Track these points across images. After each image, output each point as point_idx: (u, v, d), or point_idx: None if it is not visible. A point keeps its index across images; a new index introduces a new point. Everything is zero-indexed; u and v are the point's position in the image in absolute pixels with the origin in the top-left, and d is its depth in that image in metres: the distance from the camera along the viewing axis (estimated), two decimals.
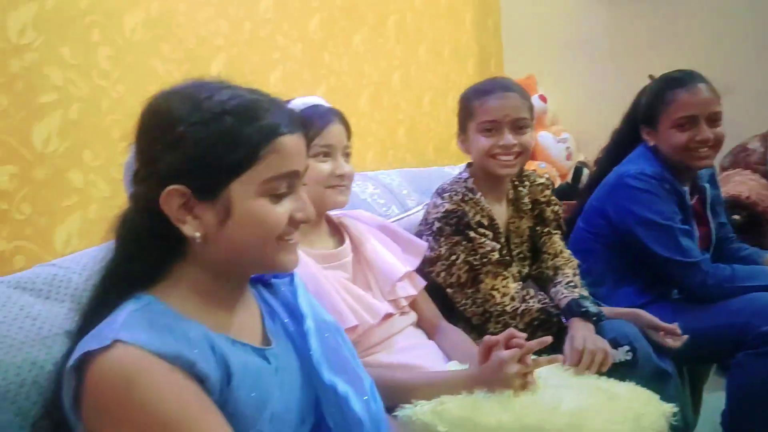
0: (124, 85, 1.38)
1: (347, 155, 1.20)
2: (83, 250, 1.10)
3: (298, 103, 1.17)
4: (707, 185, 1.70)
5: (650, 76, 1.70)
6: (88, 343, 0.67)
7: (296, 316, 0.87)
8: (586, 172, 2.96)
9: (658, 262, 1.54)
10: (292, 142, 0.75)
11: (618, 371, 1.21)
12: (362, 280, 1.20)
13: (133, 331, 0.66)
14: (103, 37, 1.35)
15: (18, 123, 1.20)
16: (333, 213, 1.28)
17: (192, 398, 0.67)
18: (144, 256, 0.74)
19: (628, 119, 1.72)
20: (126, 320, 0.68)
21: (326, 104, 1.21)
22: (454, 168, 2.43)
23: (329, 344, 0.85)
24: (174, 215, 0.72)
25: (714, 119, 1.55)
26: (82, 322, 0.75)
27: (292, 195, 0.77)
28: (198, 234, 0.73)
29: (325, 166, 1.15)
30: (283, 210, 0.75)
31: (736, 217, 2.16)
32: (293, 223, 0.77)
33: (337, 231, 1.27)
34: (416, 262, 1.32)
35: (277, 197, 0.75)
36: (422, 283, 1.32)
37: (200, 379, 0.68)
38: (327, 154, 1.16)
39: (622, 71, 3.20)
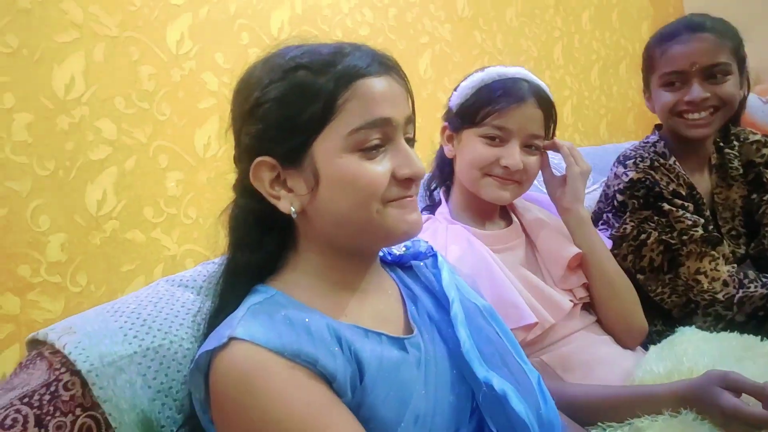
0: None
1: (532, 147, 1.00)
2: None
3: (493, 72, 1.01)
4: None
5: None
6: (207, 343, 0.62)
7: (441, 302, 0.74)
8: None
9: None
10: (378, 84, 0.64)
11: None
12: (534, 266, 1.03)
13: (250, 327, 0.60)
14: (251, 39, 1.36)
15: (180, 131, 1.24)
16: None
17: (317, 399, 0.59)
18: (256, 244, 0.68)
19: None
20: (245, 316, 0.63)
21: (530, 79, 1.01)
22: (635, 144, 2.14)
23: (483, 333, 0.71)
24: (267, 191, 0.65)
25: None
26: (209, 322, 0.70)
27: (392, 149, 0.66)
28: (293, 208, 0.65)
29: (488, 150, 0.98)
30: (380, 167, 0.64)
31: None
32: (400, 182, 0.66)
33: (505, 210, 1.12)
34: None
35: (370, 152, 0.64)
36: None
37: (327, 379, 0.60)
38: (498, 138, 0.97)
39: None
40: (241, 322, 0.61)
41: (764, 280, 1.10)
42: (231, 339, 0.59)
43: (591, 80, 2.46)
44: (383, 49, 0.69)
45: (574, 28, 2.37)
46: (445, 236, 0.99)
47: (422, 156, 1.22)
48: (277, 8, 1.41)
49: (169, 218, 1.22)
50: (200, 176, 1.27)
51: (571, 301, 0.99)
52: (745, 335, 1.01)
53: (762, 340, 1.00)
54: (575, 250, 1.01)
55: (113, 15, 1.15)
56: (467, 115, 1.00)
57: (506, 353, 0.71)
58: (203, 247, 1.27)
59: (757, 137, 1.28)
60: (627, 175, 1.15)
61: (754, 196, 1.24)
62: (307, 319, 0.63)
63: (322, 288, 0.69)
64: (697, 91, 1.12)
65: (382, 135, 0.65)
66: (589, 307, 1.05)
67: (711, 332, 1.09)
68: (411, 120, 0.69)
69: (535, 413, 0.67)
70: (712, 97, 1.12)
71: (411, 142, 0.70)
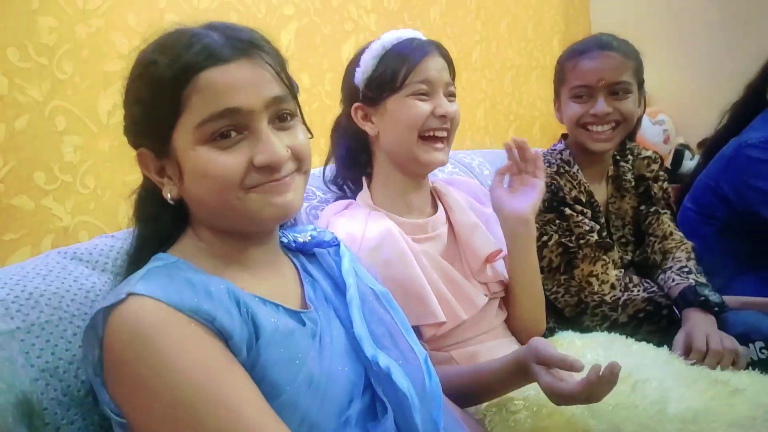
0: None
1: (451, 95, 1.02)
2: None
3: (390, 37, 1.01)
4: None
5: None
6: (104, 301, 0.63)
7: (340, 286, 0.79)
8: (687, 155, 2.69)
9: None
10: (222, 74, 0.65)
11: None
12: (454, 256, 1.05)
13: (149, 285, 0.63)
14: (169, 3, 1.29)
15: (82, 92, 1.15)
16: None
17: (212, 353, 0.61)
18: (155, 220, 0.74)
19: (751, 87, 1.48)
20: (144, 275, 0.65)
21: (422, 37, 1.04)
22: (541, 151, 2.25)
23: (376, 316, 0.77)
24: (154, 178, 0.70)
25: None
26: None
27: (250, 137, 0.67)
28: (170, 195, 0.69)
29: (423, 105, 0.98)
30: (233, 158, 0.66)
31: None
32: (258, 169, 0.67)
33: (432, 197, 1.12)
34: None
35: (222, 143, 0.66)
36: None
37: (223, 337, 0.63)
38: (425, 93, 0.99)
39: (731, 41, 2.86)
40: (141, 280, 0.63)
41: (645, 285, 1.20)
42: (129, 294, 0.61)
43: (504, 86, 2.56)
44: (242, 24, 0.69)
45: (493, 34, 2.45)
46: (365, 223, 0.98)
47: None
48: None
49: (64, 186, 1.13)
50: (102, 144, 1.18)
51: (486, 295, 1.02)
52: (613, 334, 1.10)
53: (627, 338, 1.08)
54: (493, 246, 1.04)
55: None
56: (384, 83, 0.99)
57: (397, 334, 0.76)
58: (100, 221, 1.19)
59: (649, 153, 1.39)
60: None
61: (643, 207, 1.35)
62: (207, 282, 0.65)
63: (217, 260, 0.72)
64: (601, 105, 1.20)
65: (234, 124, 0.66)
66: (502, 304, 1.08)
67: (598, 331, 1.18)
68: (279, 100, 0.68)
69: (420, 387, 0.72)
70: (615, 112, 1.21)
71: (291, 118, 0.70)
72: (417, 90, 0.98)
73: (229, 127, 0.66)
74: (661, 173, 1.38)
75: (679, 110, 2.97)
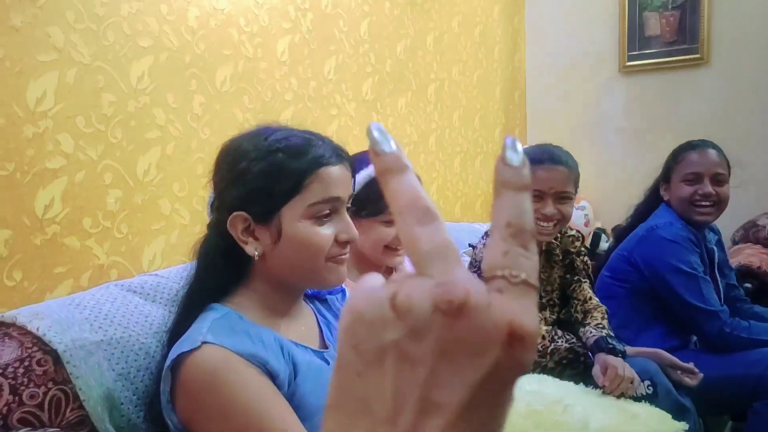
0: (210, 128, 1.59)
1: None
2: (168, 268, 1.27)
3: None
4: (715, 248, 1.86)
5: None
6: (181, 347, 0.81)
7: None
8: (604, 238, 3.13)
9: (682, 307, 1.68)
10: (334, 171, 0.87)
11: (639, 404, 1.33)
12: None
13: (217, 335, 0.81)
14: (198, 87, 1.56)
15: (127, 154, 1.39)
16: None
17: (266, 389, 0.80)
18: (218, 272, 0.90)
19: (650, 190, 1.91)
20: (210, 327, 0.83)
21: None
22: (482, 225, 2.61)
23: None
24: (238, 237, 0.87)
25: (718, 180, 1.73)
26: (173, 328, 0.91)
27: (336, 218, 0.88)
28: (257, 252, 0.87)
29: (389, 231, 1.30)
30: (327, 231, 0.86)
31: (748, 285, 2.30)
32: (339, 243, 0.88)
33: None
34: None
35: (321, 220, 0.86)
36: None
37: (272, 376, 0.81)
38: (391, 222, 1.27)
39: (639, 145, 3.41)
40: (210, 331, 0.82)
41: (567, 337, 1.52)
42: (203, 343, 0.80)
43: (454, 167, 2.94)
44: (339, 143, 0.92)
45: (446, 123, 2.85)
46: None
47: None
48: (223, 65, 1.63)
49: (104, 231, 1.34)
50: (136, 197, 1.41)
51: None
52: (543, 375, 1.41)
53: (554, 379, 1.39)
54: None
55: (89, 45, 1.29)
56: (369, 205, 1.27)
57: None
58: (128, 261, 1.39)
59: (573, 233, 1.75)
60: None
61: (568, 276, 1.69)
62: (260, 333, 0.85)
63: (265, 312, 0.92)
64: (549, 208, 1.52)
65: (331, 208, 0.87)
66: None
67: (531, 374, 1.47)
68: (351, 196, 0.94)
69: None
70: (558, 214, 1.54)
71: (349, 210, 0.95)
72: (388, 219, 1.28)
73: (328, 210, 0.87)
74: (583, 249, 1.74)
75: (596, 198, 3.45)
